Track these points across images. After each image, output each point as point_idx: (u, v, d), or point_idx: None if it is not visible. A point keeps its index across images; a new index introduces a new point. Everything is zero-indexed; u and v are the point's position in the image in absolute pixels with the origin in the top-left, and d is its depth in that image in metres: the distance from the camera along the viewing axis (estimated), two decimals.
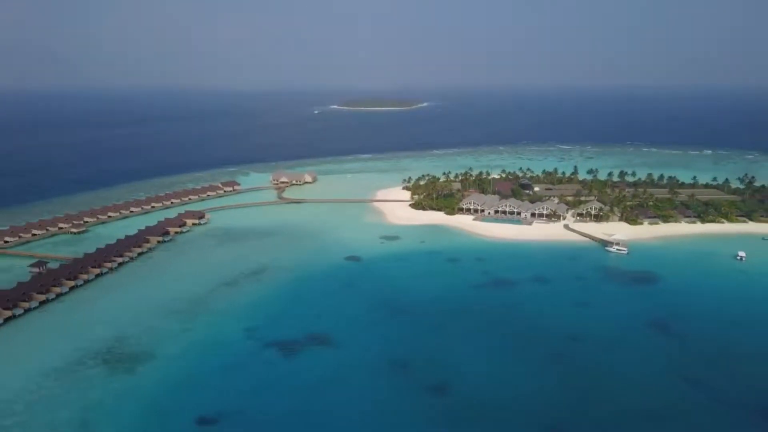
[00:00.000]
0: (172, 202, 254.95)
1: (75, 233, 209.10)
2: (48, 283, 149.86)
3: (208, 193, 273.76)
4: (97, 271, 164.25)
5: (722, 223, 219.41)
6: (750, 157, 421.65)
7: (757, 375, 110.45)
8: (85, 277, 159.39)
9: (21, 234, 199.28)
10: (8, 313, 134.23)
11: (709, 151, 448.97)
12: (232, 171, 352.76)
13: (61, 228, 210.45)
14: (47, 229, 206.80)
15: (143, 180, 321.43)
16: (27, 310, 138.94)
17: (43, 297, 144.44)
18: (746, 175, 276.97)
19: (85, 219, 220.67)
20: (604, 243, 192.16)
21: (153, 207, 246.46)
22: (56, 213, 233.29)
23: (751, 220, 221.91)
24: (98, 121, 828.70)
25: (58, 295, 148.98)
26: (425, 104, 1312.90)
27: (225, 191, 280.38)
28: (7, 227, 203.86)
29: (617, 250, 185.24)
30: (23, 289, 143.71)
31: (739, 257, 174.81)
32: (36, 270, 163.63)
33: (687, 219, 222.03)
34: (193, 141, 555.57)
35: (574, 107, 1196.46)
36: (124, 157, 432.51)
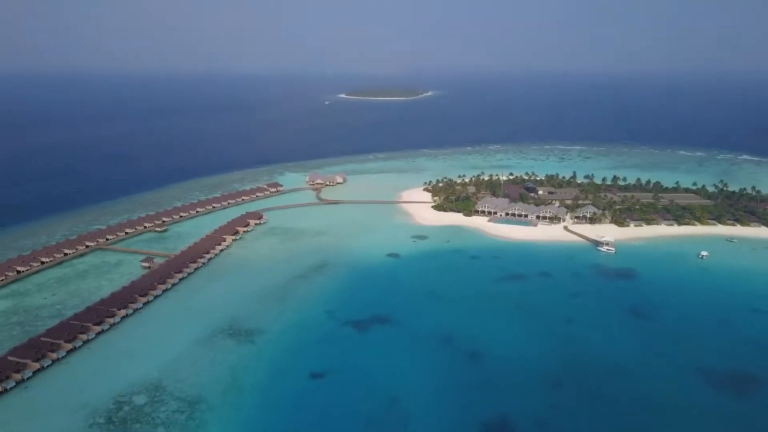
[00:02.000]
0: (228, 203, 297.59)
1: (159, 232, 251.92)
2: (164, 275, 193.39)
3: (257, 194, 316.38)
4: (195, 265, 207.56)
5: (695, 225, 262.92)
6: (728, 157, 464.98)
7: (703, 345, 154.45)
8: (188, 270, 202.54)
9: (117, 232, 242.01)
10: (144, 299, 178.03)
11: (701, 153, 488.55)
12: (269, 170, 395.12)
13: (146, 227, 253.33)
14: (135, 228, 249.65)
15: (190, 180, 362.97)
16: (156, 297, 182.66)
17: (164, 286, 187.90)
18: (721, 180, 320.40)
19: (163, 219, 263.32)
20: (596, 243, 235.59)
21: (214, 207, 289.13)
22: (130, 213, 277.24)
23: (720, 223, 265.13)
24: (117, 112, 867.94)
25: (173, 285, 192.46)
26: (430, 93, 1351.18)
27: (270, 192, 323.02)
28: (105, 227, 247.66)
29: (606, 249, 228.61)
30: (150, 280, 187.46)
31: (701, 256, 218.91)
32: (146, 265, 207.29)
33: (666, 222, 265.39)
34: (213, 138, 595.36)
35: (576, 98, 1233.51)
36: (159, 155, 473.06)
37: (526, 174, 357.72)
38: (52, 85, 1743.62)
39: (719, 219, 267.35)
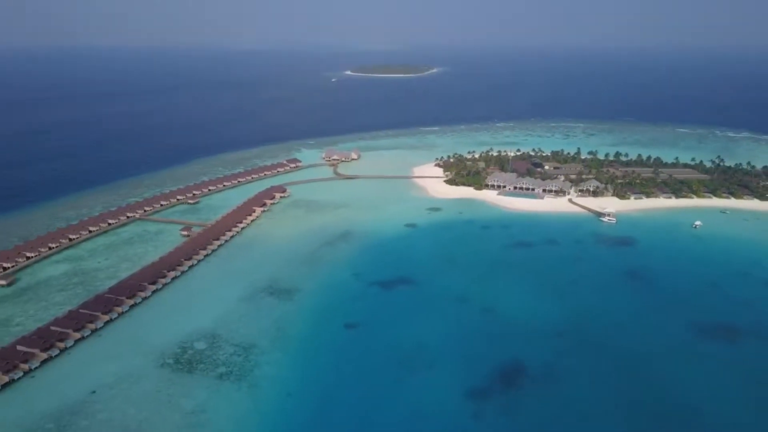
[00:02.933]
0: (252, 177, 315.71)
1: (191, 204, 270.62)
2: (204, 242, 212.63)
3: (278, 169, 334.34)
4: (230, 233, 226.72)
5: (692, 198, 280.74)
6: (729, 134, 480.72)
7: (694, 304, 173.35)
8: (224, 237, 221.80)
9: (153, 204, 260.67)
10: (189, 263, 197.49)
11: (702, 130, 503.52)
12: (286, 147, 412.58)
13: (179, 199, 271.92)
14: (169, 201, 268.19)
15: (211, 156, 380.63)
16: (199, 261, 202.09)
17: (205, 252, 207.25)
18: (718, 156, 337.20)
19: (194, 192, 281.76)
20: (599, 214, 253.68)
21: (239, 182, 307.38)
22: (160, 187, 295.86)
23: (715, 195, 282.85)
24: (128, 90, 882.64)
25: (213, 251, 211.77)
26: (435, 70, 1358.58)
27: (290, 168, 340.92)
28: (141, 200, 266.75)
29: (608, 220, 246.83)
30: (192, 246, 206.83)
31: (695, 226, 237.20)
32: (186, 233, 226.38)
33: (665, 195, 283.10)
34: (228, 115, 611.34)
35: (582, 74, 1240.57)
36: (178, 133, 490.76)
37: (533, 150, 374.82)
38: (54, 60, 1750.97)
39: (714, 192, 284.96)
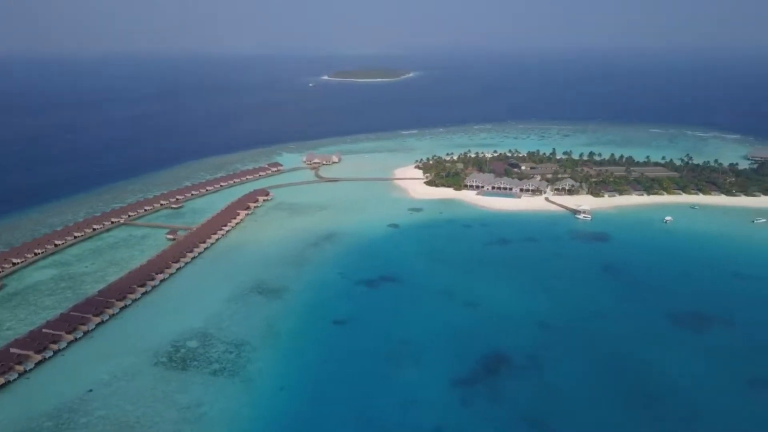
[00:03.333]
0: (234, 181, 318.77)
1: (175, 208, 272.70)
2: (190, 245, 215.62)
3: (260, 173, 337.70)
4: (216, 236, 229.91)
5: (663, 195, 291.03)
6: (698, 134, 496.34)
7: (666, 294, 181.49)
8: (210, 240, 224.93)
9: (137, 209, 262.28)
10: (177, 265, 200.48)
11: (673, 130, 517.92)
12: (266, 151, 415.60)
13: (162, 204, 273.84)
14: (153, 206, 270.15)
15: (193, 161, 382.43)
16: (186, 263, 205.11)
17: (192, 254, 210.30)
18: (687, 155, 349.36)
19: (177, 197, 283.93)
20: (575, 212, 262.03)
21: (222, 186, 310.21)
22: (144, 192, 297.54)
23: (684, 192, 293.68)
24: (106, 97, 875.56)
25: (199, 254, 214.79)
26: (411, 74, 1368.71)
27: (272, 171, 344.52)
28: (125, 205, 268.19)
29: (584, 217, 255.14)
30: (179, 248, 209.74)
31: (666, 221, 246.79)
32: (171, 237, 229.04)
33: (637, 192, 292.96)
34: (208, 120, 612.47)
35: (559, 77, 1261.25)
36: (160, 138, 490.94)
37: (509, 151, 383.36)
38: (40, 68, 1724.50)
39: (684, 189, 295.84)
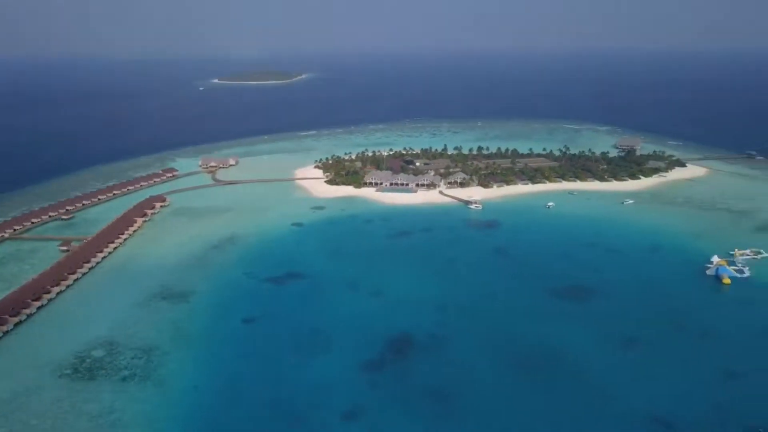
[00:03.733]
0: (128, 189, 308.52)
1: (65, 219, 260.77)
2: (87, 254, 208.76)
3: (154, 179, 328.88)
4: (113, 244, 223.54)
5: (545, 183, 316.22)
6: (574, 127, 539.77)
7: (549, 271, 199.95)
8: (108, 249, 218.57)
9: (23, 223, 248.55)
10: (74, 276, 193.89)
11: (552, 124, 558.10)
12: (159, 157, 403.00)
13: (51, 216, 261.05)
14: (41, 218, 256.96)
15: (82, 170, 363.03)
16: (84, 274, 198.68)
17: (89, 264, 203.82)
18: (565, 145, 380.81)
19: (67, 207, 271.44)
20: (467, 202, 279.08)
21: (115, 194, 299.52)
22: (28, 205, 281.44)
23: (564, 179, 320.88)
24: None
25: (97, 263, 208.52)
26: (305, 76, 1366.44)
27: (167, 177, 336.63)
28: (10, 218, 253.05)
29: (475, 207, 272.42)
30: (75, 259, 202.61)
31: (548, 206, 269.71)
32: (65, 248, 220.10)
33: (522, 182, 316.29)
34: (93, 127, 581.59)
35: (448, 76, 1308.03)
36: (41, 147, 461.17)
37: (404, 149, 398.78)
38: None
39: (563, 177, 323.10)
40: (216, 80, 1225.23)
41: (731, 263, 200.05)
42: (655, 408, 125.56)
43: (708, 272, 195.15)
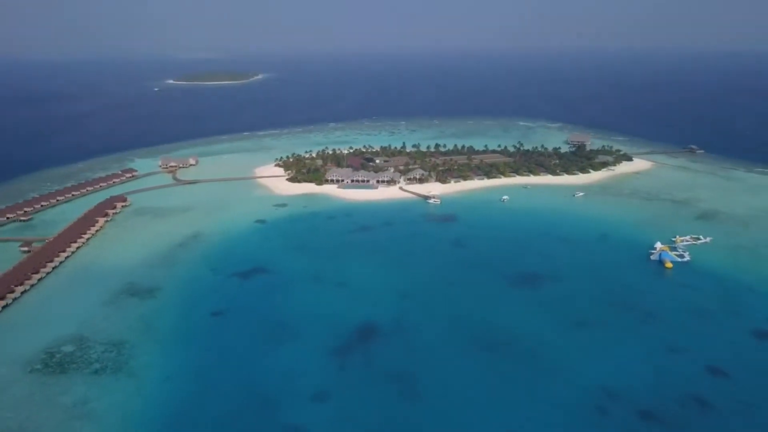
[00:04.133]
0: (87, 190, 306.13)
1: (24, 221, 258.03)
2: (50, 254, 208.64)
3: (114, 180, 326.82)
4: (76, 244, 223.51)
5: (500, 178, 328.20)
6: (527, 124, 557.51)
7: (505, 260, 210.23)
8: (71, 249, 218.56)
9: None
10: (38, 276, 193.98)
11: (506, 121, 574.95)
12: (117, 158, 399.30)
13: (9, 218, 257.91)
14: None
15: (36, 172, 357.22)
16: (47, 273, 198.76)
17: (52, 264, 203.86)
18: (519, 142, 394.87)
19: (24, 209, 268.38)
20: (425, 198, 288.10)
21: (74, 195, 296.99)
22: None
23: (518, 174, 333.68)
24: None
25: (60, 263, 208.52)
26: (261, 76, 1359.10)
27: (126, 177, 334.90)
28: None
29: (434, 201, 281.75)
30: (37, 259, 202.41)
31: (503, 200, 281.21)
32: (26, 249, 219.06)
33: (478, 177, 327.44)
34: (44, 128, 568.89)
35: (405, 77, 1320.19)
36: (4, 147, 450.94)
37: (364, 147, 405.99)
38: None
39: (518, 171, 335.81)
40: (171, 81, 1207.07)
41: (673, 249, 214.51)
42: (603, 379, 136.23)
43: (652, 257, 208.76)
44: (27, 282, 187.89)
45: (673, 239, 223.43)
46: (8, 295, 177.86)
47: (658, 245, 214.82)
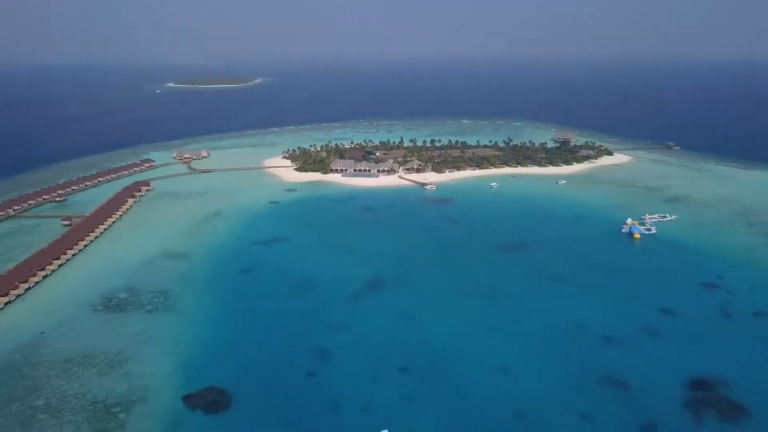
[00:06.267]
0: (111, 177, 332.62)
1: (59, 201, 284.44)
2: (91, 226, 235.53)
3: (134, 169, 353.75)
4: (111, 219, 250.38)
5: (490, 168, 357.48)
6: (518, 124, 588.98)
7: (495, 233, 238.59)
8: (107, 223, 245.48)
9: (21, 203, 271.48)
10: (83, 242, 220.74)
11: (499, 122, 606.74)
12: (133, 151, 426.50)
13: (45, 198, 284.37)
14: (36, 200, 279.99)
15: (61, 162, 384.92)
16: (90, 242, 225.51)
17: (94, 234, 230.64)
18: (509, 138, 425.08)
19: (58, 192, 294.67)
20: (423, 185, 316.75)
21: (99, 181, 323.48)
22: (17, 191, 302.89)
23: (507, 165, 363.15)
24: None
25: (101, 233, 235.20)
26: (258, 80, 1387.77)
27: (145, 167, 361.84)
28: (7, 199, 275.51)
29: (430, 188, 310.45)
30: (81, 229, 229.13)
31: (492, 186, 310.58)
32: (67, 222, 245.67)
33: (470, 168, 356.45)
34: (64, 126, 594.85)
35: (402, 81, 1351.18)
36: (15, 144, 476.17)
37: (364, 141, 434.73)
38: None
39: (507, 163, 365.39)
40: (171, 84, 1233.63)
41: (642, 224, 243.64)
42: (574, 316, 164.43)
43: (623, 231, 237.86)
44: (76, 246, 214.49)
45: (643, 217, 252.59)
46: (62, 256, 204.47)
47: (629, 221, 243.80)
